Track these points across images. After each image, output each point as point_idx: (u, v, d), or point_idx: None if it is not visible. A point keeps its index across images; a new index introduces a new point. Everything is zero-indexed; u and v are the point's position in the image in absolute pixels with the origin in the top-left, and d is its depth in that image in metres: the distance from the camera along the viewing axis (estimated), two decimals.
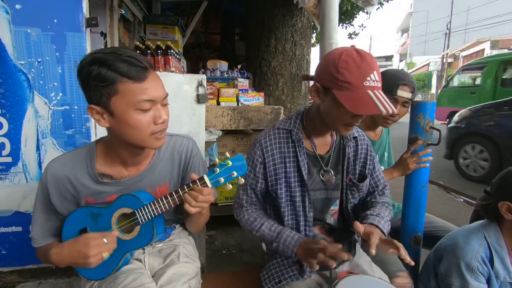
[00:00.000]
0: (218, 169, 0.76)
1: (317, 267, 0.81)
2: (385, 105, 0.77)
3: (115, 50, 0.73)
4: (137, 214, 0.79)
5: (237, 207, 1.03)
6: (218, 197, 2.05)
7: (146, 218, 0.79)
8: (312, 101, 0.98)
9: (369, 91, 0.79)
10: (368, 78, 0.79)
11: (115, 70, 0.70)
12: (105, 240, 0.75)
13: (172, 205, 0.79)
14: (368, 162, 1.03)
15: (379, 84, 0.82)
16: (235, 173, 0.76)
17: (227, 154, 0.77)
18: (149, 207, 0.79)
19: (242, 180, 0.78)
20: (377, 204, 1.02)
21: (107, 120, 0.75)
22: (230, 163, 0.75)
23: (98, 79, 0.70)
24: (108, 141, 0.84)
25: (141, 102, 0.72)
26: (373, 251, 0.79)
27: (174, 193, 0.78)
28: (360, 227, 0.84)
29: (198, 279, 0.95)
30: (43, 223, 0.86)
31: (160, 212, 0.79)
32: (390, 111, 0.77)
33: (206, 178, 0.76)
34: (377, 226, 0.88)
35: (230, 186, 0.78)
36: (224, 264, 1.85)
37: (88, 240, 0.74)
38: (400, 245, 0.80)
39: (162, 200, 0.78)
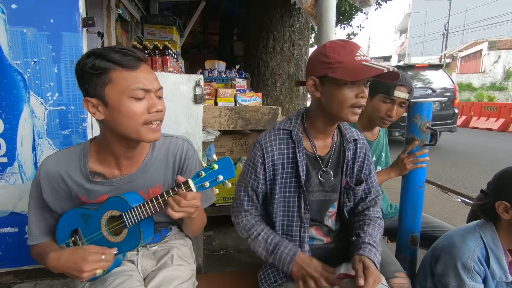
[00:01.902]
0: (203, 173, 0.74)
1: None
2: (383, 67, 0.80)
3: (111, 46, 0.77)
4: (124, 217, 0.78)
5: (236, 210, 1.00)
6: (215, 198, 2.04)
7: (133, 221, 0.78)
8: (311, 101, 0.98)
9: (363, 62, 0.82)
10: (357, 54, 0.83)
11: (108, 60, 0.73)
12: (103, 257, 0.75)
13: (158, 209, 0.77)
14: (365, 166, 1.02)
15: (369, 59, 0.84)
16: (221, 177, 0.74)
17: (215, 157, 0.75)
18: (135, 210, 0.77)
19: (229, 185, 0.76)
20: (370, 222, 0.99)
21: (102, 112, 0.75)
22: (216, 166, 0.73)
23: (93, 69, 0.72)
24: (101, 138, 0.84)
25: (135, 90, 0.73)
26: None
27: (159, 197, 0.77)
28: (360, 279, 0.80)
29: (192, 281, 0.94)
30: (38, 220, 0.85)
31: (147, 215, 0.78)
32: (391, 69, 0.80)
33: (190, 182, 0.74)
34: (372, 260, 0.86)
35: (217, 190, 0.77)
36: (222, 265, 1.84)
37: (87, 255, 0.74)
38: None
39: (148, 204, 0.77)
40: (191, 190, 0.74)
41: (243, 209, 0.98)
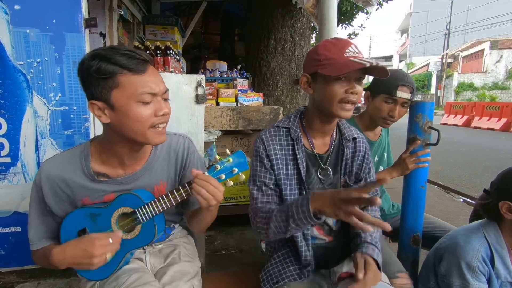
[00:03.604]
0: (219, 166, 0.77)
1: (358, 212, 0.67)
2: (367, 61, 0.79)
3: (115, 46, 0.75)
4: (137, 213, 0.79)
5: (253, 213, 0.94)
6: None
7: (147, 216, 0.79)
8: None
9: (352, 58, 0.82)
10: (347, 50, 0.84)
11: (115, 63, 0.71)
12: (110, 240, 0.75)
13: (174, 203, 0.79)
14: (364, 165, 1.02)
15: (361, 55, 0.85)
16: (236, 170, 0.76)
17: (228, 151, 0.77)
18: (150, 205, 0.79)
19: (243, 177, 0.78)
20: None
21: (108, 115, 0.74)
22: (231, 160, 0.76)
23: (99, 73, 0.71)
24: (104, 139, 0.84)
25: (142, 94, 0.73)
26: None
27: (175, 191, 0.78)
28: (359, 273, 0.79)
29: (199, 278, 0.95)
30: (39, 225, 0.84)
31: (161, 210, 0.79)
32: (374, 64, 0.80)
33: (207, 174, 0.77)
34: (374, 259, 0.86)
35: (231, 182, 0.79)
36: (223, 265, 1.84)
37: (93, 240, 0.73)
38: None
39: (163, 198, 0.78)
40: None
41: (257, 207, 0.93)
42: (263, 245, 1.26)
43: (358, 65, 0.80)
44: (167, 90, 0.80)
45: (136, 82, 0.73)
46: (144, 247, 0.93)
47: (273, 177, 0.94)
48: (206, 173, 0.76)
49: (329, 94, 0.85)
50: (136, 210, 0.79)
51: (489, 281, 0.95)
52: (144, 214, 0.79)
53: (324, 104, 0.88)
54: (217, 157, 0.78)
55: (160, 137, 0.79)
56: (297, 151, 0.94)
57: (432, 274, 1.06)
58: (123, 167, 0.85)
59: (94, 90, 0.73)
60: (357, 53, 0.85)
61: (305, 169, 0.94)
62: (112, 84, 0.72)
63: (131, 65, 0.72)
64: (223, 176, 0.77)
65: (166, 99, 0.80)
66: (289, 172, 0.94)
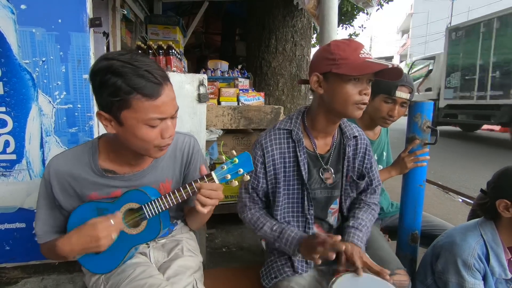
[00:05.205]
0: (225, 166, 0.78)
1: (320, 262, 0.83)
2: (388, 62, 0.82)
3: (133, 61, 0.70)
4: (144, 209, 0.81)
5: (240, 207, 1.05)
6: None
7: (153, 213, 0.81)
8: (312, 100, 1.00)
9: (368, 59, 0.84)
10: (361, 51, 0.85)
11: (130, 85, 0.69)
12: (112, 221, 0.77)
13: (180, 200, 0.81)
14: (366, 161, 1.04)
15: (372, 57, 0.87)
16: (241, 170, 0.78)
17: (234, 152, 0.79)
18: (156, 202, 0.81)
19: (248, 177, 0.80)
20: (364, 206, 1.05)
21: (115, 128, 0.75)
22: (237, 160, 0.78)
23: (112, 91, 0.69)
24: (112, 141, 0.85)
25: (152, 119, 0.73)
26: (362, 274, 0.85)
27: (181, 189, 0.80)
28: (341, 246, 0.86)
29: (201, 272, 0.97)
30: (47, 219, 0.86)
31: (167, 207, 0.81)
32: (396, 65, 0.83)
33: (214, 174, 0.78)
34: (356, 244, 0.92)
35: (236, 182, 0.81)
36: (224, 262, 1.86)
37: (96, 224, 0.75)
38: (383, 271, 0.85)
39: (169, 196, 0.80)
40: (213, 183, 0.78)
41: (245, 206, 1.02)
42: (264, 243, 1.28)
43: (378, 66, 0.82)
44: (177, 109, 0.79)
45: (148, 107, 0.71)
46: (148, 242, 0.95)
47: (263, 185, 0.98)
48: (213, 173, 0.78)
49: (343, 95, 0.86)
50: (143, 206, 0.81)
51: (484, 278, 0.97)
52: (150, 210, 0.81)
53: (336, 105, 0.89)
54: (224, 157, 0.80)
55: (162, 152, 0.81)
56: (298, 153, 0.95)
57: (429, 271, 1.08)
58: (130, 166, 0.88)
59: (104, 103, 0.72)
60: (369, 54, 0.86)
61: (306, 170, 0.95)
62: (124, 105, 0.70)
63: (146, 90, 0.69)
64: (229, 176, 0.78)
65: (173, 117, 0.79)
66: (290, 174, 0.96)
